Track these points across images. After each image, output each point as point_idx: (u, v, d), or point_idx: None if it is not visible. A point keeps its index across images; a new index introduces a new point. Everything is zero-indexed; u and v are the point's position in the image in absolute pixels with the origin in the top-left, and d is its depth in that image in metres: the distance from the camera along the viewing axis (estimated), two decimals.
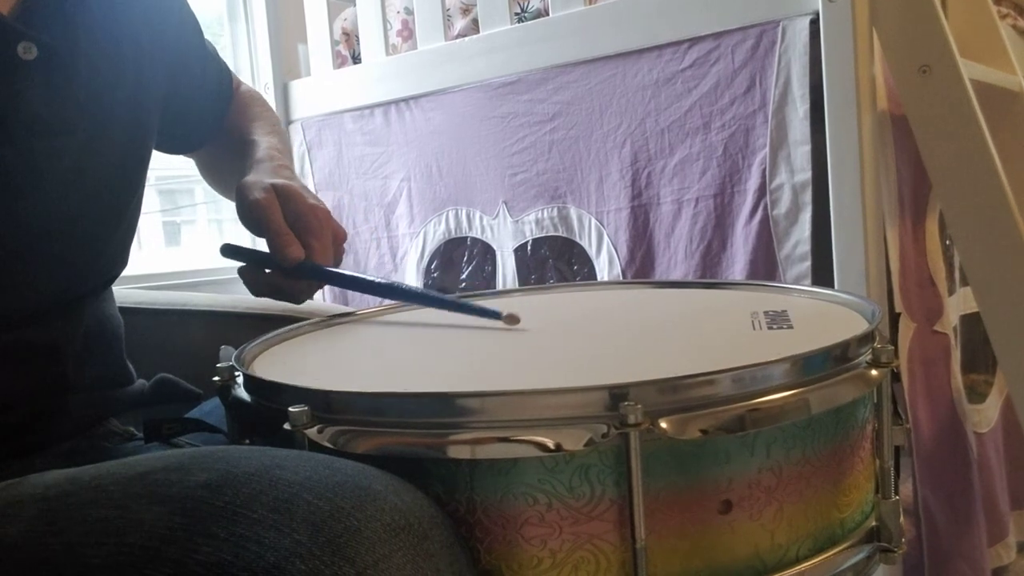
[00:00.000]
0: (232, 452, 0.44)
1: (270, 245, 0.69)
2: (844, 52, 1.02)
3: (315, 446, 0.45)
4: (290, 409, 0.45)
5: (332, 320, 0.75)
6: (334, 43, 1.61)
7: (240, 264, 0.73)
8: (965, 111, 1.01)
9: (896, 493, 0.52)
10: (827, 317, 0.62)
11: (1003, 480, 1.30)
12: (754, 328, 0.59)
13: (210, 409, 0.69)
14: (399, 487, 0.42)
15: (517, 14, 1.35)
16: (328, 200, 1.61)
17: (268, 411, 0.49)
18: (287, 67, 1.68)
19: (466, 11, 1.47)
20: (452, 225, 1.45)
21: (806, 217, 1.10)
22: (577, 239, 1.32)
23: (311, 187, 1.62)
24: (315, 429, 0.45)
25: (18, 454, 0.62)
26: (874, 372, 0.49)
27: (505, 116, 1.35)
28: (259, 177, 0.72)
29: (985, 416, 1.30)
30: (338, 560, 0.37)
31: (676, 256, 1.21)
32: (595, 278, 1.30)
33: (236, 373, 0.55)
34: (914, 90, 1.02)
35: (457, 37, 1.44)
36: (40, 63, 0.59)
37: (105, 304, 0.73)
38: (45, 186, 0.61)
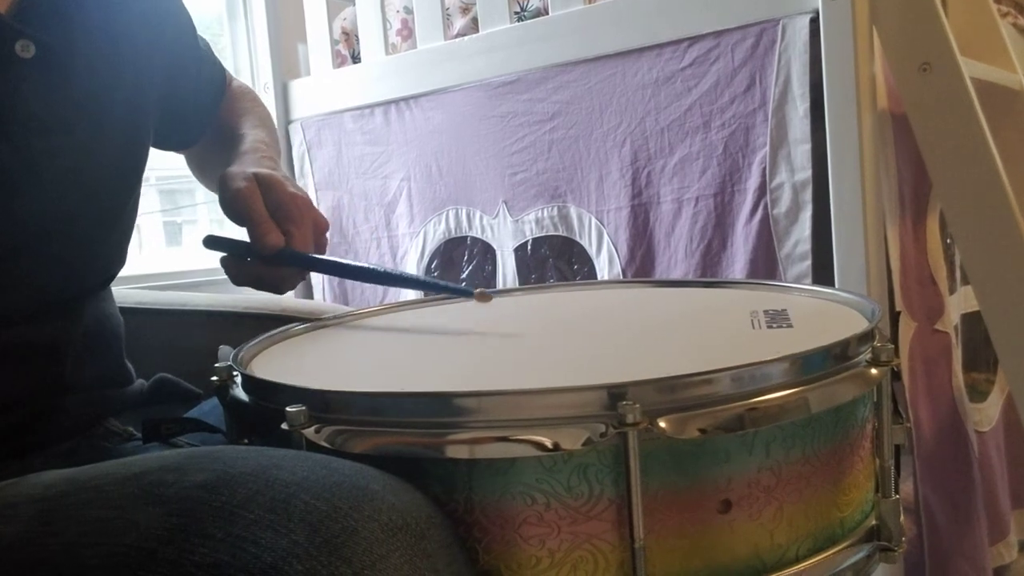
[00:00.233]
0: (229, 452, 0.44)
1: (250, 233, 0.69)
2: (844, 50, 1.01)
3: (313, 446, 0.45)
4: (287, 409, 0.45)
5: (331, 320, 0.75)
6: (334, 42, 1.61)
7: (223, 255, 0.73)
8: (965, 109, 1.00)
9: (896, 492, 0.52)
10: (827, 316, 0.62)
11: (1004, 479, 1.30)
12: (753, 327, 0.59)
13: (209, 409, 0.69)
14: (397, 487, 0.41)
15: (517, 13, 1.35)
16: (328, 200, 1.61)
17: (266, 411, 0.49)
18: (287, 67, 1.68)
19: (466, 10, 1.47)
20: (452, 225, 1.45)
21: (806, 216, 1.10)
22: (577, 238, 1.32)
23: (311, 187, 1.62)
24: (313, 429, 0.45)
25: (17, 454, 0.62)
26: (874, 371, 0.49)
27: (505, 115, 1.35)
28: (242, 167, 0.72)
29: (986, 415, 1.30)
30: (335, 561, 0.37)
31: (676, 255, 1.21)
32: (595, 277, 1.30)
33: (234, 373, 0.55)
34: (914, 88, 1.02)
35: (457, 36, 1.44)
36: (37, 61, 0.59)
37: (105, 304, 0.72)
38: (43, 185, 0.61)
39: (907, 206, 1.11)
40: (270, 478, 0.41)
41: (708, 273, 1.18)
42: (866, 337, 0.50)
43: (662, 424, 0.42)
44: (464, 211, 1.43)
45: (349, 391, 0.47)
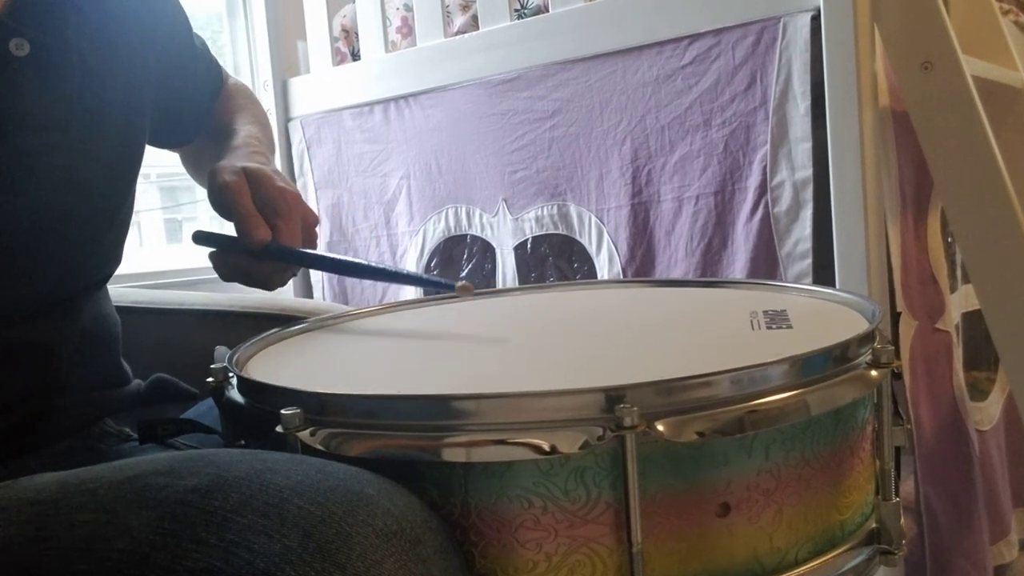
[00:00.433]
0: (223, 456, 0.44)
1: (237, 228, 0.68)
2: (845, 48, 1.01)
3: (307, 449, 0.44)
4: (282, 412, 0.45)
5: (328, 321, 0.74)
6: (333, 40, 1.61)
7: (211, 250, 0.73)
8: (967, 107, 1.00)
9: (897, 494, 0.52)
10: (826, 317, 0.61)
11: (1005, 478, 1.30)
12: (753, 328, 0.58)
13: (206, 409, 0.69)
14: (392, 491, 0.41)
15: (517, 11, 1.34)
16: (327, 198, 1.61)
17: (261, 413, 0.48)
18: (286, 64, 1.67)
19: (466, 8, 1.46)
20: (452, 223, 1.45)
21: (807, 215, 1.10)
22: (577, 237, 1.31)
23: (310, 185, 1.62)
24: (307, 432, 0.45)
25: (12, 455, 0.61)
26: (874, 373, 0.49)
27: (505, 113, 1.34)
28: (231, 162, 0.71)
29: (987, 414, 1.30)
30: (329, 566, 0.36)
31: (676, 254, 1.21)
32: (595, 276, 1.30)
33: (230, 374, 0.55)
34: (916, 86, 1.01)
35: (457, 34, 1.44)
36: (32, 60, 0.59)
37: (101, 304, 0.72)
38: (37, 183, 0.60)
39: (908, 204, 1.10)
40: (264, 482, 0.40)
41: (708, 272, 1.18)
42: (866, 339, 0.50)
43: (660, 427, 0.41)
44: (464, 209, 1.43)
45: (344, 393, 0.46)
